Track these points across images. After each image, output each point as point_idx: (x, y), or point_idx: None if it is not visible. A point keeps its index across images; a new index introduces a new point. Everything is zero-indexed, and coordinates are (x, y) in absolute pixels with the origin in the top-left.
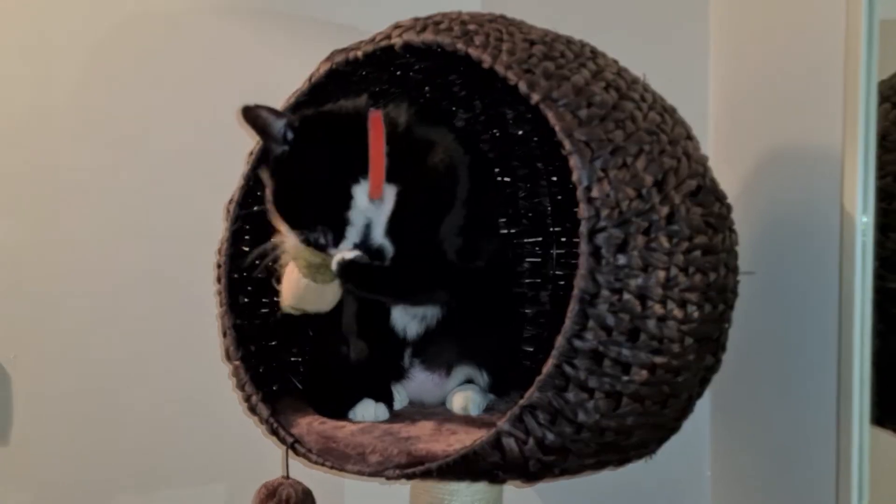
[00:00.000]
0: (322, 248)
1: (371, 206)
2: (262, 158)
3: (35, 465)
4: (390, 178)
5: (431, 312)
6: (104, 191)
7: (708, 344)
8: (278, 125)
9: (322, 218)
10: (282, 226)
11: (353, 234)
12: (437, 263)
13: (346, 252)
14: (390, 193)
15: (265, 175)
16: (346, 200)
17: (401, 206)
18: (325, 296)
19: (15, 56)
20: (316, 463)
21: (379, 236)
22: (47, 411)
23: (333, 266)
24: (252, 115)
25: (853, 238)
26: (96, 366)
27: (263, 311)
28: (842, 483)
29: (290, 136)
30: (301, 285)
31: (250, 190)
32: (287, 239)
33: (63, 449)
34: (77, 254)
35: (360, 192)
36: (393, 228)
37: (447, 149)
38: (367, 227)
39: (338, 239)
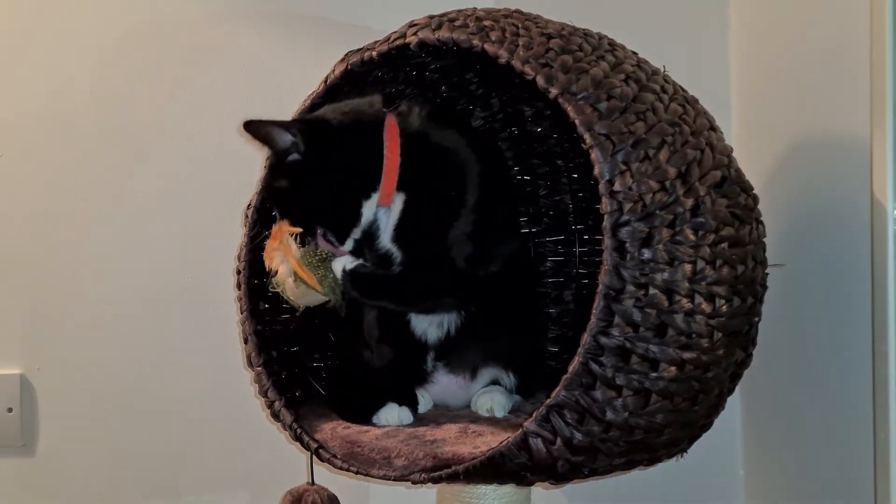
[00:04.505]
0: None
1: (379, 211)
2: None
3: (61, 475)
4: (400, 185)
5: (450, 318)
6: (123, 199)
7: (738, 338)
8: (284, 138)
9: (329, 224)
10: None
11: (356, 234)
12: (443, 271)
13: (348, 261)
14: (398, 200)
15: (276, 175)
16: (357, 211)
17: (408, 214)
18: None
19: (29, 65)
20: (341, 468)
21: (386, 241)
22: (72, 421)
23: (338, 275)
24: (254, 129)
25: (885, 227)
26: (119, 375)
27: (284, 316)
28: (880, 479)
29: (300, 144)
30: (302, 291)
31: None
32: (278, 250)
33: (87, 458)
34: (97, 263)
35: (371, 202)
36: (400, 235)
37: (457, 156)
38: (374, 231)
39: (341, 241)
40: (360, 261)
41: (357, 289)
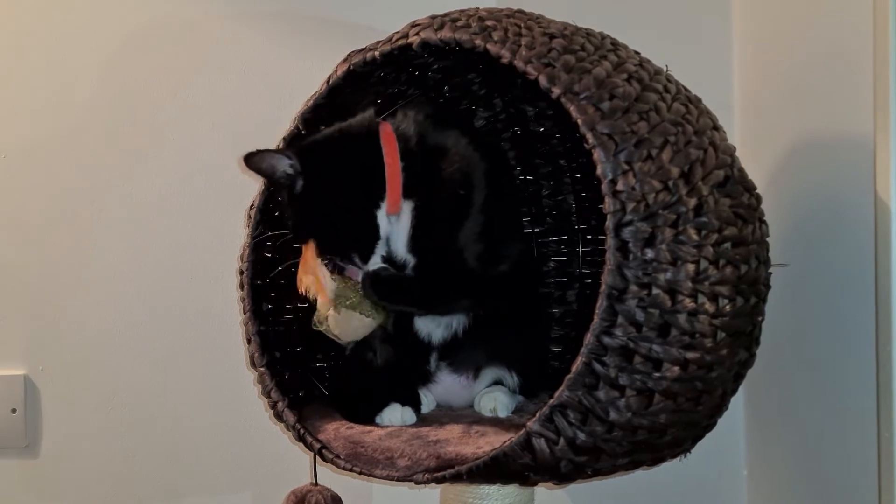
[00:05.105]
0: (341, 270)
1: (390, 222)
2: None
3: (64, 476)
4: (406, 192)
5: (459, 319)
6: (126, 200)
7: (741, 338)
8: (283, 165)
9: (352, 244)
10: (310, 258)
11: (380, 249)
12: (459, 273)
13: (369, 265)
14: (407, 208)
15: (293, 208)
16: (373, 225)
17: (419, 220)
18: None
19: (31, 67)
20: (344, 468)
21: (401, 250)
22: (76, 422)
23: (359, 279)
24: (256, 163)
25: (888, 226)
26: (122, 375)
27: (287, 317)
28: (884, 479)
29: (299, 168)
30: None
31: (271, 195)
32: (319, 277)
33: (91, 459)
34: (100, 264)
35: (382, 213)
36: (414, 243)
37: (460, 156)
38: (388, 242)
39: (365, 259)
40: (382, 264)
41: (378, 293)
